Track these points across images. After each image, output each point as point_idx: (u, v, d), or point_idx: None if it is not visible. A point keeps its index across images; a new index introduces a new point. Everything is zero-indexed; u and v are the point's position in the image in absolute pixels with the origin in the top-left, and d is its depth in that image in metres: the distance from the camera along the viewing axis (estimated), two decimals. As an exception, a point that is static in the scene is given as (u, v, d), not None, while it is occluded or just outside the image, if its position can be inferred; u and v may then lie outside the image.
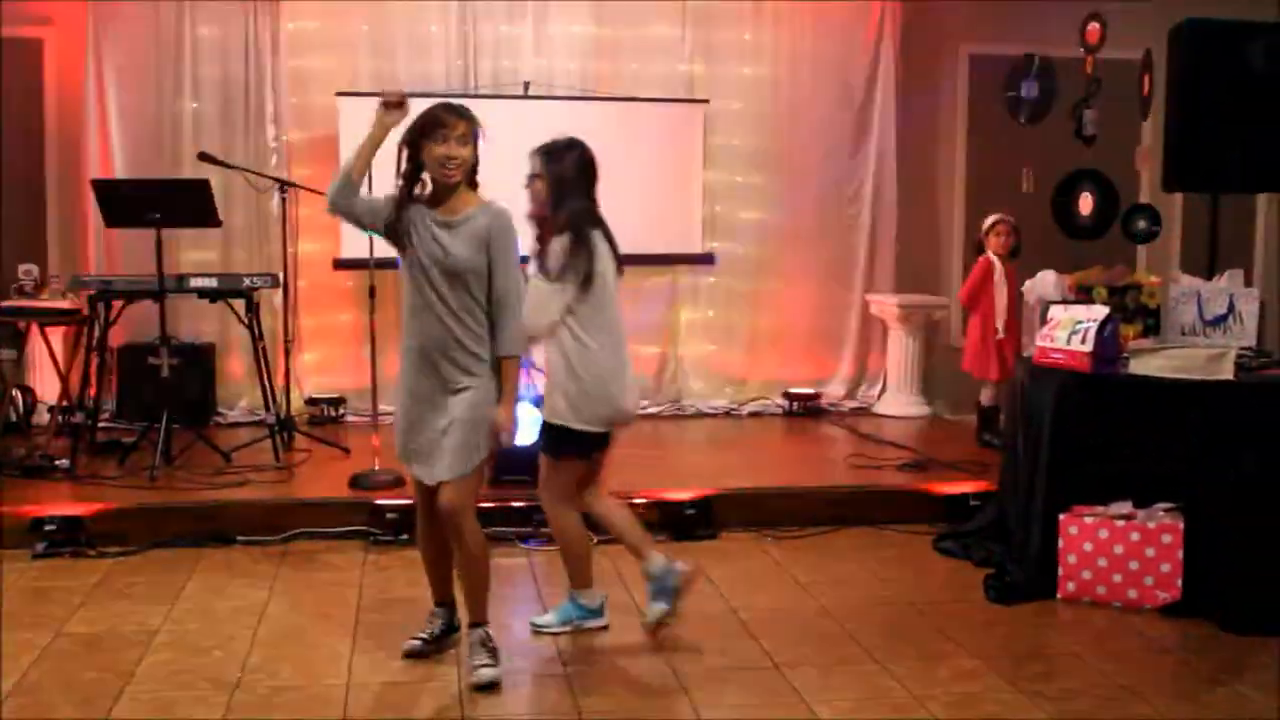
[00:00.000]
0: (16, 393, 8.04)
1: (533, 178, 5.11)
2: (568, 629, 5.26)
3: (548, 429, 5.16)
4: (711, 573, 6.05)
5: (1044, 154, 8.55)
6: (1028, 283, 7.24)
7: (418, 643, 4.98)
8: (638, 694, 4.66)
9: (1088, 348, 5.86)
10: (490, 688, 4.63)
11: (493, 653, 4.74)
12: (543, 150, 5.11)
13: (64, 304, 8.28)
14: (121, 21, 8.92)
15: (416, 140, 4.59)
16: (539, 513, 6.59)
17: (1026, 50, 8.54)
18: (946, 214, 10.11)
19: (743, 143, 9.66)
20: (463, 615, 4.98)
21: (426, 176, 4.67)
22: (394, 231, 4.67)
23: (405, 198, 4.65)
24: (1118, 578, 5.61)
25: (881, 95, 9.71)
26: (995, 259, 8.21)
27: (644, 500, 6.75)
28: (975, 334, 8.30)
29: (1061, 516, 5.75)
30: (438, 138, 4.55)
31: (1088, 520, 5.68)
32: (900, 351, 9.63)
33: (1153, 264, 9.09)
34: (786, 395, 9.63)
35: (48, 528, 6.35)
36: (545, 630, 5.27)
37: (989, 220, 8.28)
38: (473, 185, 4.70)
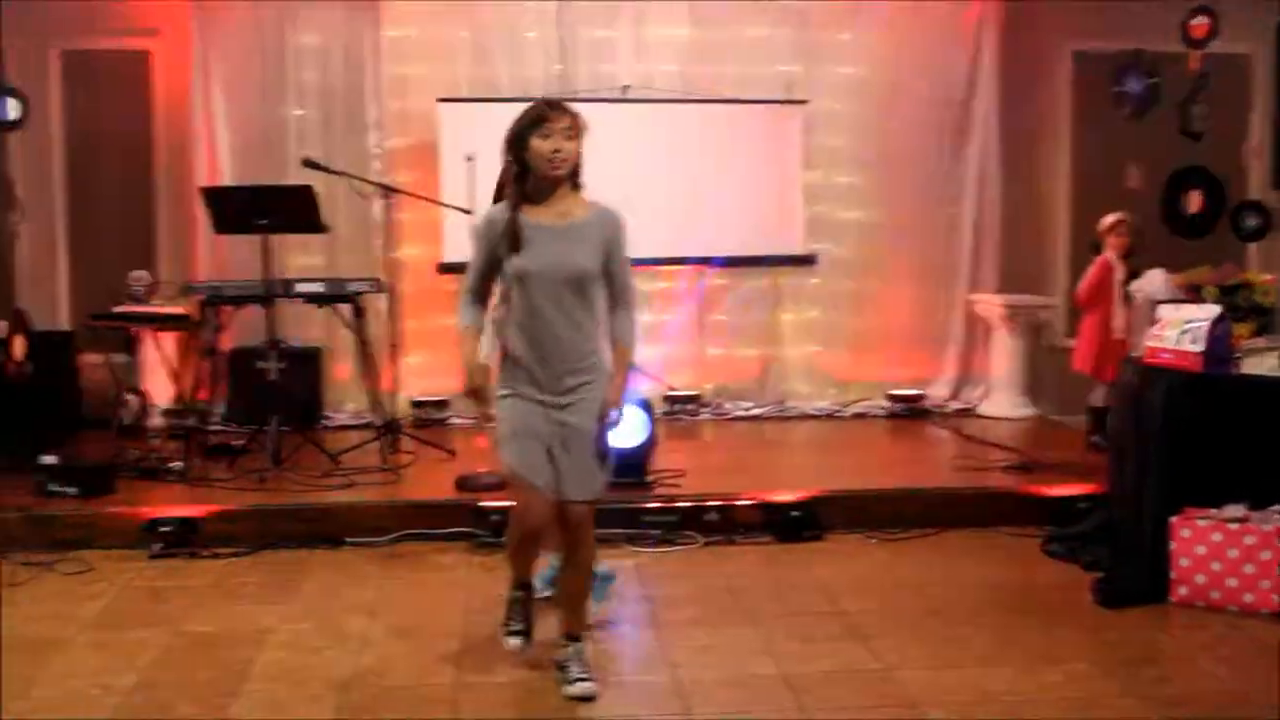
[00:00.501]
0: (131, 396, 8.22)
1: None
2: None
3: None
4: (818, 574, 6.07)
5: (1150, 151, 8.46)
6: (1135, 282, 7.17)
7: (519, 639, 4.94)
8: (747, 696, 4.67)
9: (1199, 347, 5.78)
10: (587, 700, 4.60)
11: (588, 666, 4.71)
12: None
13: (175, 309, 8.44)
14: (226, 31, 9.11)
15: (522, 137, 4.49)
16: (646, 514, 6.72)
17: (1131, 46, 8.45)
18: (1051, 212, 10.00)
19: (843, 143, 9.64)
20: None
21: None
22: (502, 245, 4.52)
23: (517, 202, 4.50)
24: (1232, 582, 5.53)
25: (983, 93, 9.63)
26: (1114, 259, 8.06)
27: (749, 502, 6.78)
28: (1090, 334, 8.17)
29: (1173, 519, 5.68)
30: (543, 132, 4.46)
31: (1200, 523, 5.61)
32: (1005, 352, 9.55)
33: (1260, 262, 8.94)
34: (890, 397, 9.59)
35: (163, 529, 6.50)
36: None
37: (1109, 220, 8.11)
38: (577, 186, 4.58)
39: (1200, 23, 7.68)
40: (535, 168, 4.49)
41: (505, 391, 4.61)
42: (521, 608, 4.95)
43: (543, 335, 4.50)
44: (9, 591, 5.92)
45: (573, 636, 4.78)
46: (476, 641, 5.23)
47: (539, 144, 4.46)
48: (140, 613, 5.64)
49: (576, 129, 4.51)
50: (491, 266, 4.58)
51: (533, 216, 4.50)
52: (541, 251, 4.47)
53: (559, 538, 4.66)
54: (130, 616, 5.57)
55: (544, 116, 4.48)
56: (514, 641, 4.92)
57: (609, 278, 4.56)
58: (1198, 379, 5.79)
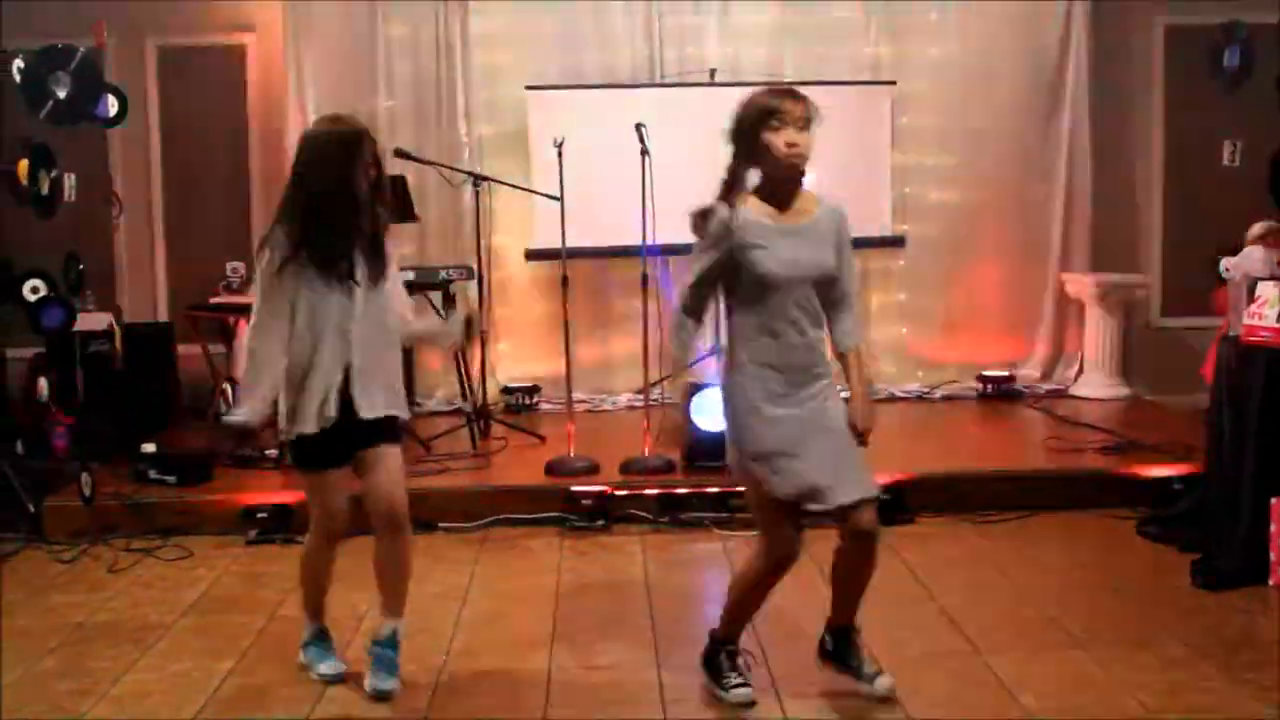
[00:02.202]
0: (226, 386, 8.31)
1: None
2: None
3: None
4: (909, 558, 6.00)
5: (1247, 126, 8.27)
6: (1233, 260, 6.98)
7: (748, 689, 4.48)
8: (840, 683, 4.62)
9: (1299, 325, 5.65)
10: (888, 698, 4.38)
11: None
12: None
13: (269, 299, 8.50)
14: (318, 24, 9.17)
15: (750, 132, 4.11)
16: (735, 497, 6.67)
17: (1221, 20, 8.26)
18: (1145, 190, 9.79)
19: (931, 123, 9.51)
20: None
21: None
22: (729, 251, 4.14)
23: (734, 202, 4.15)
24: (1333, 563, 5.41)
25: (1074, 70, 9.45)
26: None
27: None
28: None
29: (1273, 501, 5.54)
30: (775, 125, 4.06)
31: (1300, 504, 5.49)
32: (1097, 331, 9.38)
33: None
34: (980, 378, 9.46)
35: (259, 515, 6.59)
36: None
37: (1258, 228, 7.62)
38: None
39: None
40: (770, 163, 4.13)
41: (747, 402, 4.20)
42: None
43: (787, 343, 4.14)
44: (111, 577, 6.02)
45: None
46: (568, 626, 5.24)
47: (771, 137, 4.07)
48: (238, 597, 5.71)
49: (811, 117, 4.13)
50: (721, 273, 4.18)
51: (768, 215, 4.16)
52: (785, 253, 4.12)
53: (846, 553, 4.30)
54: (228, 601, 5.64)
55: (775, 107, 4.09)
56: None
57: (837, 274, 4.24)
58: (1298, 357, 5.66)
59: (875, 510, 4.23)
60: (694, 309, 4.25)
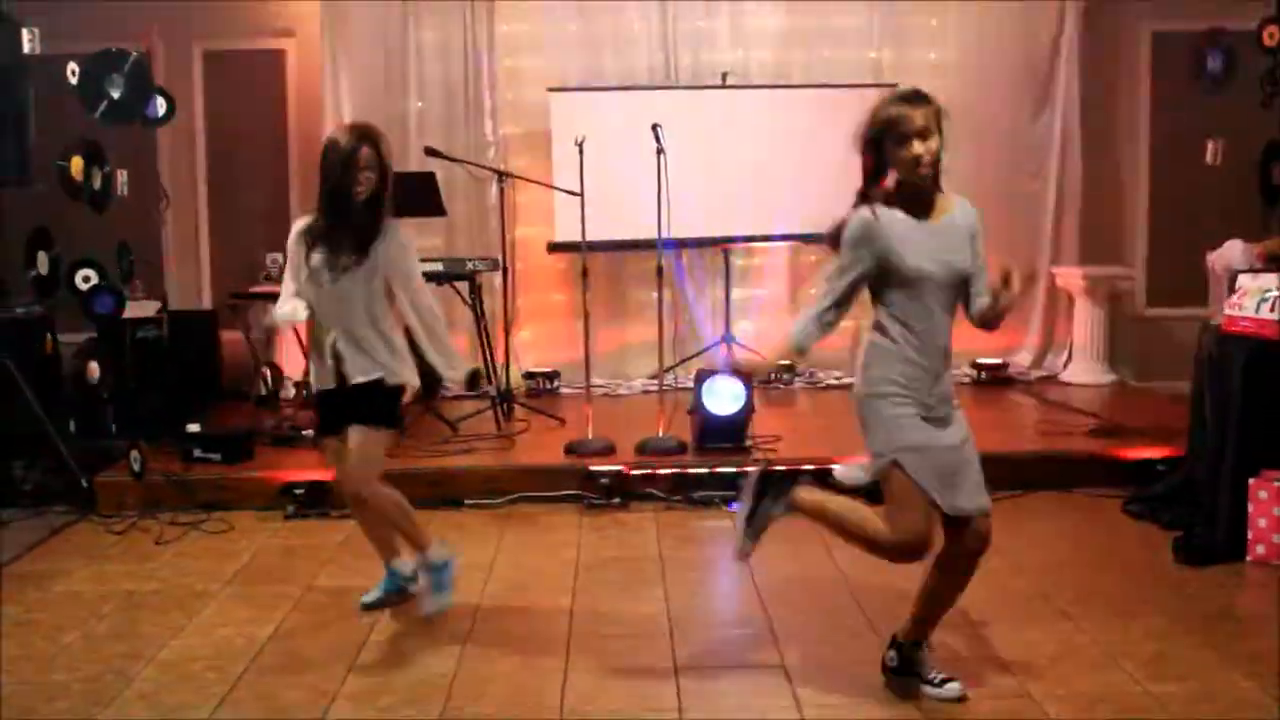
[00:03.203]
0: (266, 369, 8.33)
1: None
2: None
3: (394, 394, 4.79)
4: (906, 534, 5.99)
5: (1230, 126, 8.24)
6: (1215, 253, 6.97)
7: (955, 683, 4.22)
8: (835, 646, 4.63)
9: (1278, 315, 5.61)
10: (960, 700, 4.18)
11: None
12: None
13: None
14: (353, 30, 9.16)
15: (877, 140, 3.94)
16: (743, 477, 6.65)
17: (1205, 26, 8.24)
18: (1131, 187, 9.76)
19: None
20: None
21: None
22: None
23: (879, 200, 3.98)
24: (1308, 540, 5.40)
25: (1065, 73, 9.41)
26: None
27: (841, 465, 6.70)
28: None
29: (1251, 481, 5.53)
30: (903, 138, 3.88)
31: (1277, 484, 5.46)
32: (1086, 321, 9.36)
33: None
34: (974, 365, 9.43)
35: (296, 491, 6.60)
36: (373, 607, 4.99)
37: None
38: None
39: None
40: (901, 174, 3.96)
41: (892, 407, 4.01)
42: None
43: (931, 344, 3.98)
44: (159, 549, 6.05)
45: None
46: (587, 597, 5.25)
47: (901, 153, 3.89)
48: (277, 569, 5.73)
49: (937, 121, 3.92)
50: (865, 276, 4.00)
51: (906, 216, 3.97)
52: (925, 251, 3.95)
53: (957, 555, 4.09)
54: (268, 572, 5.66)
55: (897, 118, 3.89)
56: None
57: (973, 274, 4.07)
58: (1275, 346, 5.61)
59: (990, 522, 4.07)
60: (835, 305, 4.03)
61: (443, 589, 4.99)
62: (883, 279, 3.98)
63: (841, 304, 4.04)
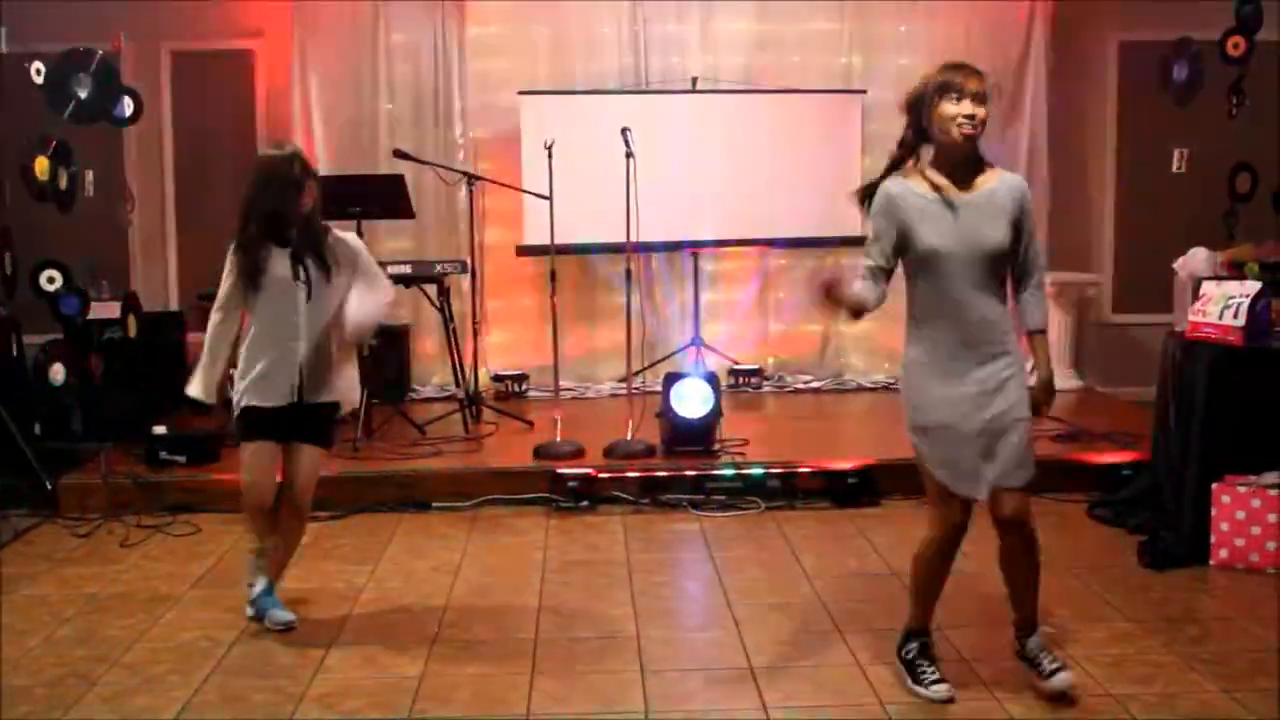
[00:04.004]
0: (234, 371, 8.27)
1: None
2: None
3: (336, 413, 4.99)
4: (874, 539, 6.03)
5: (1195, 135, 8.31)
6: (1180, 260, 7.03)
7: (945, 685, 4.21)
8: (802, 647, 4.65)
9: (1240, 322, 5.66)
10: (1067, 697, 4.16)
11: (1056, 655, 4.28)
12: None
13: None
14: (323, 31, 9.13)
15: (926, 103, 3.96)
16: (711, 480, 6.70)
17: (1172, 36, 8.30)
18: (1098, 195, 9.82)
19: (898, 130, 9.43)
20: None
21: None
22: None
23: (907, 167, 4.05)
24: (1270, 545, 5.42)
25: (1033, 81, 9.45)
26: None
27: (809, 470, 6.74)
28: None
29: (1215, 486, 5.58)
30: (951, 96, 3.89)
31: (1240, 489, 5.50)
32: (1053, 327, 9.38)
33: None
34: (943, 369, 9.47)
35: (264, 494, 6.57)
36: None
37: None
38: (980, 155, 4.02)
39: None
40: (940, 134, 3.94)
41: (913, 386, 4.13)
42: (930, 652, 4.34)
43: (961, 319, 3.98)
44: (124, 552, 6.02)
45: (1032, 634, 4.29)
46: (554, 600, 5.25)
47: (947, 107, 3.89)
48: (242, 571, 5.68)
49: (987, 93, 3.92)
50: (896, 246, 4.02)
51: (940, 188, 3.98)
52: (951, 226, 3.95)
53: (999, 537, 4.15)
54: (234, 575, 5.62)
55: (953, 80, 3.90)
56: (942, 688, 4.20)
57: (1016, 248, 4.03)
58: (1239, 352, 5.67)
59: (1024, 499, 4.07)
60: (880, 267, 4.06)
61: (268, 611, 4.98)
62: (904, 253, 4.03)
63: (885, 269, 4.07)
